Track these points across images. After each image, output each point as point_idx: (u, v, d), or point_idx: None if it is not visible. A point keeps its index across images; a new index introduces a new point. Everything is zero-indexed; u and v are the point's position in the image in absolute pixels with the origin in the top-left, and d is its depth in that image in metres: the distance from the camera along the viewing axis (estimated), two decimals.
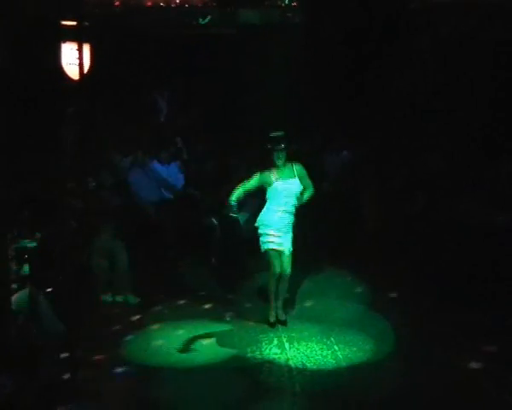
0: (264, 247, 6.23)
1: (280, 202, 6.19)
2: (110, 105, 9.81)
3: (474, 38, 8.48)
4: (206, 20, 9.08)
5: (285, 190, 6.19)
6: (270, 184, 6.21)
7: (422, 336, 6.06)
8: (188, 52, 9.99)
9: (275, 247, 6.19)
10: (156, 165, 8.76)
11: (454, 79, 8.59)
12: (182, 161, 9.28)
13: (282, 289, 6.37)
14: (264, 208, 6.28)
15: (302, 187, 6.24)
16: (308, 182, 6.35)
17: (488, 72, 8.41)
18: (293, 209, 6.23)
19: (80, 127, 7.50)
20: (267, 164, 6.26)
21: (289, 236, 6.26)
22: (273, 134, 6.22)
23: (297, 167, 6.29)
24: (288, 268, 6.28)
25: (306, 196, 6.31)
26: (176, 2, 9.59)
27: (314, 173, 6.53)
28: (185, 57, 10.06)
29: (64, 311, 5.82)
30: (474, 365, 5.46)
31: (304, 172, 6.33)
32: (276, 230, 6.18)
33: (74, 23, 6.03)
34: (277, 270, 6.23)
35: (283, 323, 6.38)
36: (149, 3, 9.60)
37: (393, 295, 7.03)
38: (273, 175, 6.21)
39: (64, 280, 6.15)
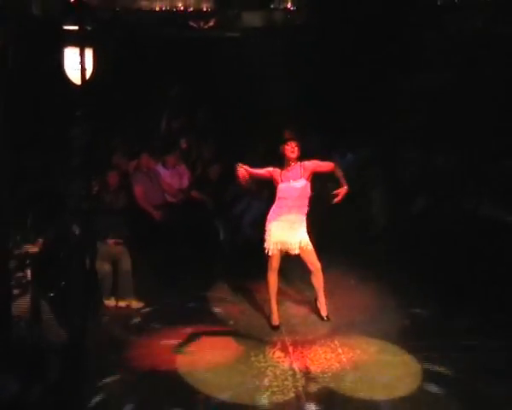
0: (266, 245, 6.20)
1: (283, 204, 6.13)
2: (115, 108, 9.82)
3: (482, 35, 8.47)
4: (210, 24, 9.10)
5: (289, 193, 6.10)
6: (276, 183, 6.15)
7: (429, 337, 6.02)
8: (191, 55, 10.00)
9: (277, 246, 6.15)
10: (160, 168, 8.74)
11: (463, 77, 8.56)
12: (186, 164, 9.26)
13: (316, 283, 6.34)
14: (271, 208, 6.24)
15: (309, 188, 6.13)
16: (326, 163, 6.21)
17: (496, 68, 8.39)
18: (301, 210, 6.15)
19: (87, 130, 7.48)
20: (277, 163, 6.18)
21: (299, 232, 6.15)
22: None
23: (306, 165, 6.13)
24: (315, 262, 6.25)
25: (337, 173, 6.20)
26: (179, 6, 9.60)
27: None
28: (189, 60, 10.07)
29: (67, 316, 5.82)
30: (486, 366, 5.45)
31: (315, 162, 6.16)
32: (277, 230, 6.12)
33: (76, 27, 6.02)
34: (274, 265, 6.20)
35: (327, 318, 6.37)
36: (153, 7, 9.61)
37: (399, 297, 6.95)
38: (279, 176, 6.13)
39: (67, 285, 6.15)
